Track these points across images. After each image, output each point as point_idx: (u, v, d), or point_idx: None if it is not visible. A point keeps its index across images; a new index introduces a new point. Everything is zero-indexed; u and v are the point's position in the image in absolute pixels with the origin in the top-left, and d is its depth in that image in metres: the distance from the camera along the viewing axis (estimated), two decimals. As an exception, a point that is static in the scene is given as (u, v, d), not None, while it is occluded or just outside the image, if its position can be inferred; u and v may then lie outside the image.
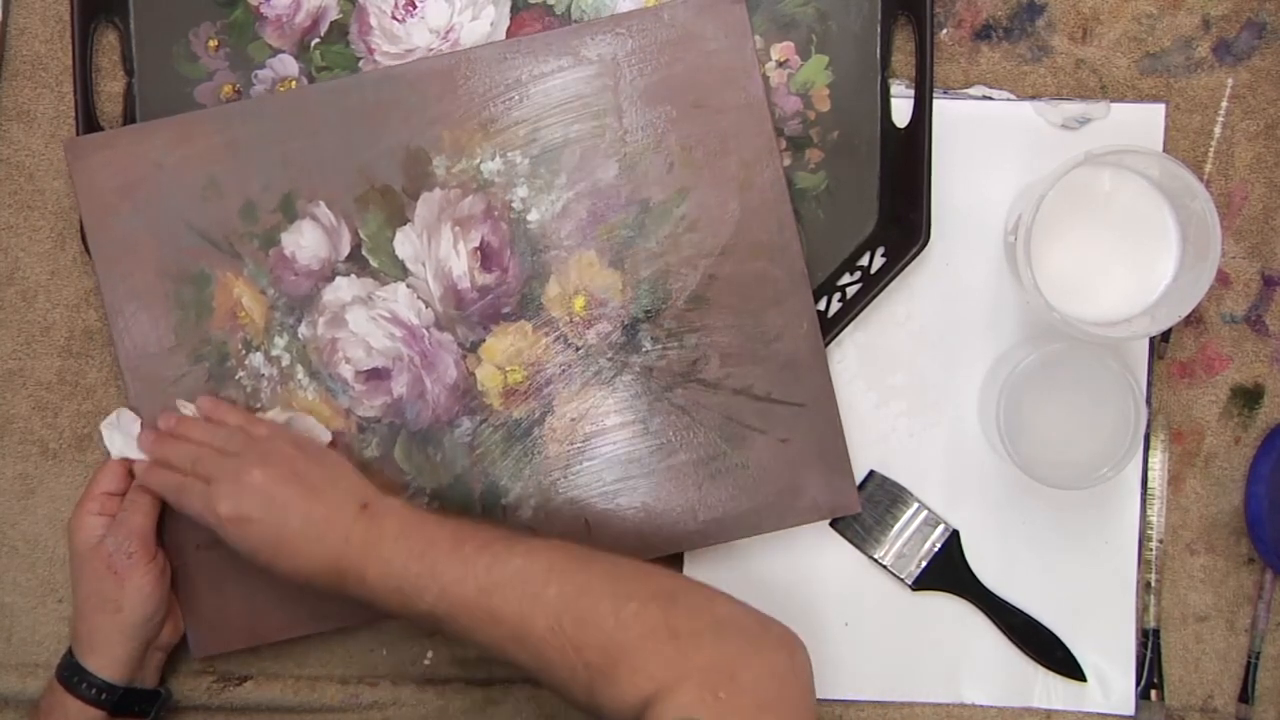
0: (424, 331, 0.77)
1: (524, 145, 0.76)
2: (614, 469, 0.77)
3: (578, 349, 0.77)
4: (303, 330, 0.77)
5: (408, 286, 0.77)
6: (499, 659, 0.65)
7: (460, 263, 0.76)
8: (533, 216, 0.76)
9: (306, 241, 0.76)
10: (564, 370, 0.77)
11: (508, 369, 0.77)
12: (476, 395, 0.77)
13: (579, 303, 0.77)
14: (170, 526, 0.76)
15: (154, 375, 0.77)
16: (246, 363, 0.77)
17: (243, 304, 0.77)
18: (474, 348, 0.77)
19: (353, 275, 0.77)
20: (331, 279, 0.77)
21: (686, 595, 0.65)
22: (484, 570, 0.64)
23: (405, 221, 0.76)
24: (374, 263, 0.76)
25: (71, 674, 0.72)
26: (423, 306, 0.77)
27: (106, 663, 0.72)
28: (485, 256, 0.76)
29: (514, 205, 0.76)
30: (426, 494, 0.77)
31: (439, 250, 0.76)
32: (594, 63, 0.76)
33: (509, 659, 0.64)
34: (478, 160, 0.76)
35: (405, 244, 0.76)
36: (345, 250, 0.76)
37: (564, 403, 0.77)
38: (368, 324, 0.77)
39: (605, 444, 0.77)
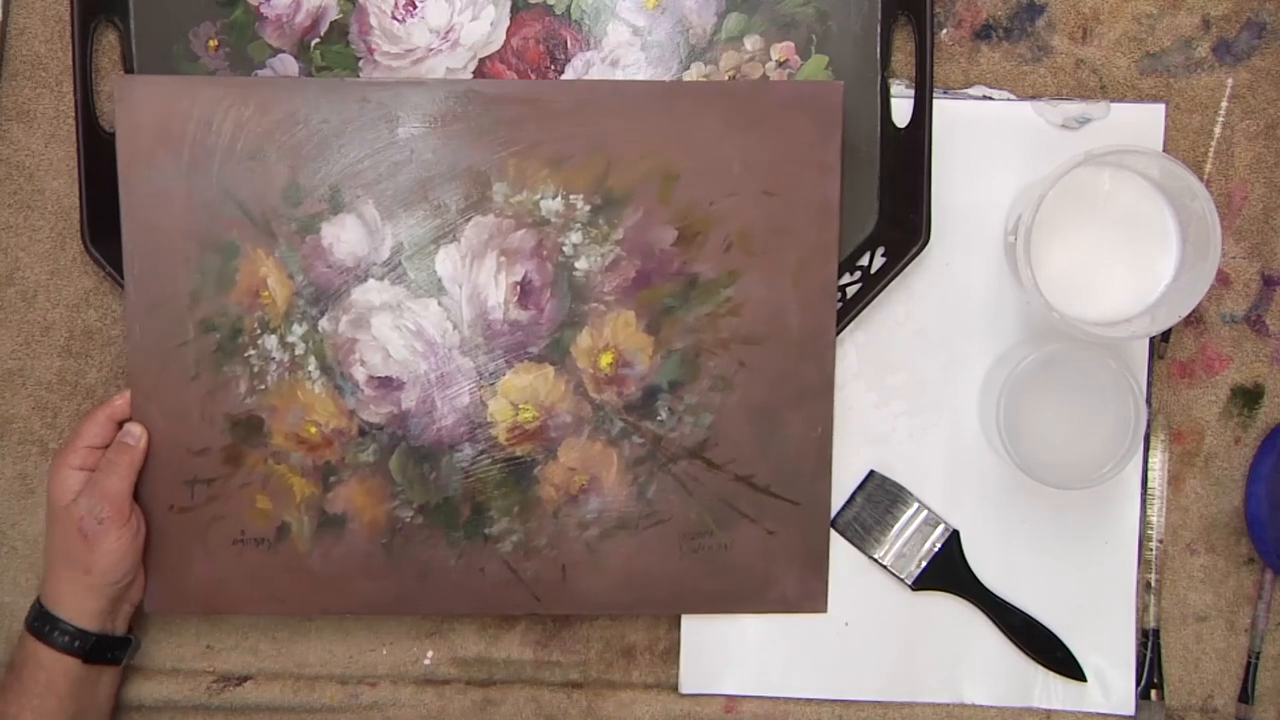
0: (446, 352, 0.76)
1: (588, 191, 0.75)
2: (602, 524, 0.77)
3: (594, 403, 0.76)
4: (324, 324, 0.76)
5: (439, 305, 0.75)
6: None
7: (498, 293, 0.75)
8: (580, 264, 0.75)
9: (347, 236, 0.75)
10: (576, 420, 0.76)
11: (521, 406, 0.76)
12: (484, 425, 0.76)
13: (606, 359, 0.76)
14: (146, 486, 0.75)
15: (158, 332, 0.75)
16: (259, 343, 0.75)
17: (268, 284, 0.75)
18: (492, 379, 0.76)
19: (386, 281, 0.75)
20: (364, 279, 0.75)
21: None
22: None
23: (452, 240, 0.75)
24: (411, 274, 0.75)
25: (43, 623, 0.72)
26: (450, 328, 0.76)
27: (75, 615, 0.72)
28: (525, 293, 0.75)
29: (564, 249, 0.75)
30: (413, 508, 0.77)
31: (479, 276, 0.75)
32: (681, 124, 0.74)
33: None
34: (538, 195, 0.74)
35: (446, 262, 0.75)
36: (384, 254, 0.75)
37: (568, 451, 0.76)
38: (391, 332, 0.75)
39: (598, 499, 0.76)
